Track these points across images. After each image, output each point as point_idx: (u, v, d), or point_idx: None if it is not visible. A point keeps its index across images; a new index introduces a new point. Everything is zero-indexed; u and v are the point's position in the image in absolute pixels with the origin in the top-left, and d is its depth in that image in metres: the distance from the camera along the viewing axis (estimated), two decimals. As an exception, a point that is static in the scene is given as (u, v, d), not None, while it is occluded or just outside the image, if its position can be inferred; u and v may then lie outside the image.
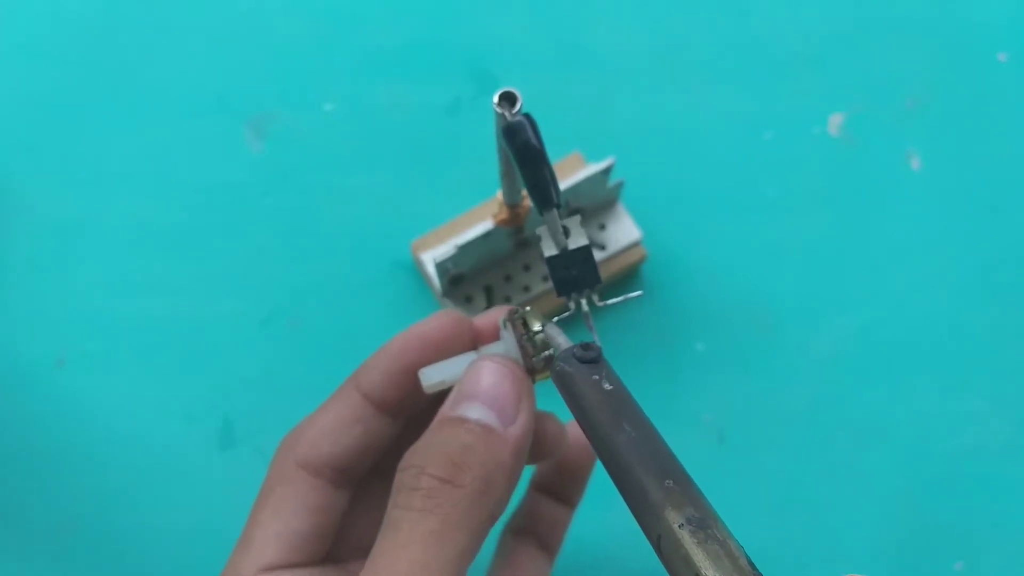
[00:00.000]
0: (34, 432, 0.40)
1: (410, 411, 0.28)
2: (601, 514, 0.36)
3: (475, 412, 0.24)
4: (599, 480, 0.33)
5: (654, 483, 0.20)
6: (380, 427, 0.27)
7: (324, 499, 0.27)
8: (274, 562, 0.25)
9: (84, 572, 0.38)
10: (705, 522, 0.19)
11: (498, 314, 0.28)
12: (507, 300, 0.40)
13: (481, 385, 0.24)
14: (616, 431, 0.21)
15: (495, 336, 0.28)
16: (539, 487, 0.33)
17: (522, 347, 0.25)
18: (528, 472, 0.33)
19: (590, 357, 0.23)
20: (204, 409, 0.40)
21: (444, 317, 0.28)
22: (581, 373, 0.23)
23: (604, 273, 0.40)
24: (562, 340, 0.25)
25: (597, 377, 0.23)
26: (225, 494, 0.38)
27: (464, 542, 0.22)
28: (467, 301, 0.40)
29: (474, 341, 0.28)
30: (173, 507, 0.39)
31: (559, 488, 0.33)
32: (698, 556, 0.18)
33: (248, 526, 0.26)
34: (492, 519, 0.23)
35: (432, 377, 0.26)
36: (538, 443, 0.28)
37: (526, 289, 0.40)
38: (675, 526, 0.19)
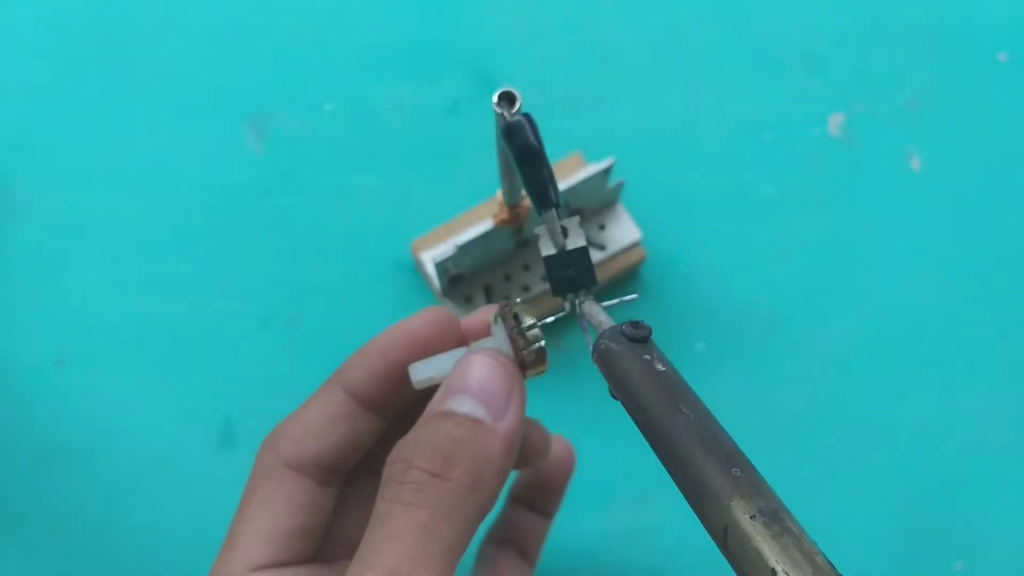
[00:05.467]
0: (34, 432, 0.40)
1: (396, 408, 0.28)
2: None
3: (464, 405, 0.23)
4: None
5: (719, 470, 0.18)
6: (365, 424, 0.27)
7: (310, 497, 0.26)
8: (262, 561, 0.25)
9: (84, 572, 0.38)
10: (778, 515, 0.17)
11: (487, 313, 0.27)
12: (506, 300, 0.40)
13: (471, 379, 0.24)
14: (672, 413, 0.19)
15: (484, 334, 0.27)
16: (517, 499, 0.33)
17: (513, 340, 0.25)
18: (506, 483, 0.33)
19: (640, 336, 0.21)
20: (204, 409, 0.40)
21: (430, 314, 0.27)
22: (631, 352, 0.21)
23: (604, 274, 0.40)
24: (604, 318, 0.23)
25: (648, 357, 0.21)
26: (225, 494, 0.38)
27: (453, 536, 0.22)
28: (467, 301, 0.40)
29: (462, 338, 0.27)
30: (173, 507, 0.39)
31: (536, 499, 0.33)
32: (773, 550, 0.17)
33: (234, 525, 0.26)
34: (482, 514, 0.23)
35: (421, 373, 0.26)
36: (522, 449, 0.28)
37: (526, 289, 0.40)
38: (746, 517, 0.17)
